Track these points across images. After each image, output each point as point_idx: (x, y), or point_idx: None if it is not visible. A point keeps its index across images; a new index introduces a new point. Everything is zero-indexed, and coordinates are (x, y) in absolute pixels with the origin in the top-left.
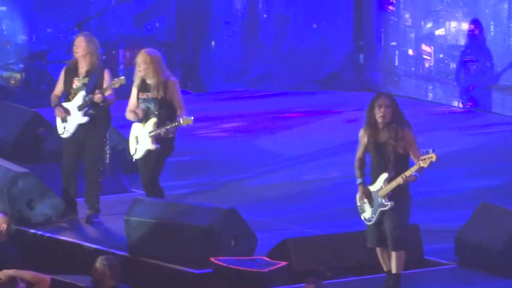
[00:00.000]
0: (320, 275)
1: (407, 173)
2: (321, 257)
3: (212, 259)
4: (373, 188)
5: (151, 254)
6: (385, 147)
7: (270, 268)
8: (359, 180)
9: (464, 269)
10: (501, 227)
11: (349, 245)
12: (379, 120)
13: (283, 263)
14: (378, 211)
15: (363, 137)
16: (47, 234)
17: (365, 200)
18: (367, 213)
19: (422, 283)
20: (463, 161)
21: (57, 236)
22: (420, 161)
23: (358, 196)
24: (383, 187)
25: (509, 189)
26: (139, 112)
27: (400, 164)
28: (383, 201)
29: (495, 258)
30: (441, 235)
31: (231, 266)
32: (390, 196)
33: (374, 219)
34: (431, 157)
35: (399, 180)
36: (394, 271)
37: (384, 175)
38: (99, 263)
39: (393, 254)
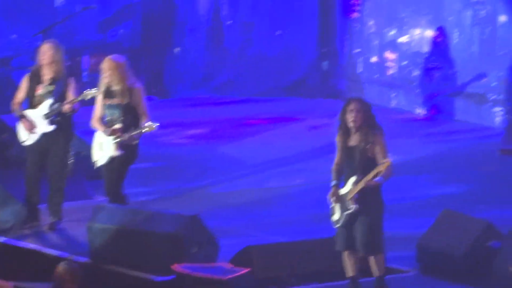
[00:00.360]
0: (283, 282)
1: (368, 176)
2: (284, 264)
3: (174, 266)
4: (343, 191)
5: (113, 261)
6: (355, 150)
7: (232, 275)
8: (332, 182)
9: (426, 276)
10: (463, 234)
11: (311, 252)
12: (351, 124)
13: (245, 270)
14: (344, 214)
15: (338, 142)
16: (9, 241)
17: (335, 202)
18: (336, 215)
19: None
20: (426, 168)
21: (19, 243)
22: (379, 165)
23: (328, 197)
24: (350, 190)
25: (472, 196)
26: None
27: (369, 167)
28: (349, 204)
29: (457, 265)
30: (403, 242)
31: (193, 273)
32: (357, 199)
33: (340, 221)
34: (387, 161)
35: (361, 183)
36: (376, 274)
37: (353, 178)
38: (60, 268)
39: (371, 258)
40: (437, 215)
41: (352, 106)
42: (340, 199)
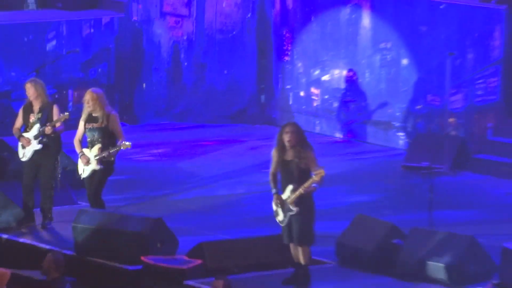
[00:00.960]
0: (229, 271)
1: (306, 184)
2: (229, 256)
3: (142, 258)
4: (284, 196)
5: (94, 254)
6: (291, 164)
7: (189, 266)
8: (273, 190)
9: (343, 267)
10: (372, 233)
11: (254, 247)
12: (286, 143)
13: (199, 261)
14: (287, 215)
15: (274, 156)
16: (10, 237)
17: (278, 206)
18: (280, 216)
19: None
20: (343, 181)
21: (17, 239)
22: (314, 175)
23: (273, 202)
24: (290, 196)
25: (380, 203)
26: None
27: (302, 177)
28: (291, 207)
29: (368, 258)
30: (325, 239)
31: (157, 263)
32: (296, 203)
33: (285, 221)
34: (321, 172)
35: (300, 190)
36: (302, 262)
37: (290, 187)
38: (47, 257)
39: (300, 249)
40: (352, 218)
41: (287, 129)
42: (283, 203)
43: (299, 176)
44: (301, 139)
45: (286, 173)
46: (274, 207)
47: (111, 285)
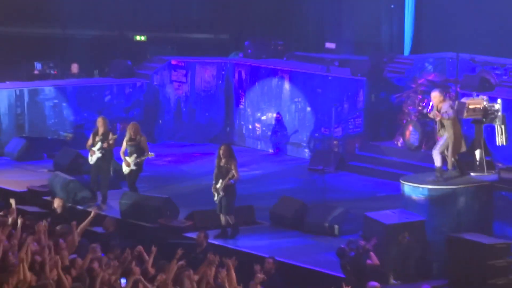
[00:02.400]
0: (206, 228)
1: (225, 180)
2: (209, 220)
3: (159, 220)
4: (218, 186)
5: (131, 218)
6: (222, 167)
7: (185, 225)
8: (213, 182)
9: (273, 227)
10: (291, 205)
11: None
12: (221, 155)
13: (191, 223)
14: (219, 196)
15: (217, 162)
16: (84, 208)
17: (215, 191)
18: (216, 197)
19: (252, 233)
20: (274, 177)
21: (88, 209)
22: (230, 176)
23: (212, 188)
24: (220, 186)
25: (295, 190)
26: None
27: (227, 175)
28: (220, 192)
29: (288, 221)
30: (263, 210)
31: (167, 223)
32: (223, 189)
33: (218, 200)
34: (234, 174)
35: (224, 182)
36: (231, 223)
37: (220, 180)
38: (106, 219)
39: (227, 217)
40: (279, 198)
41: (222, 147)
42: (216, 189)
43: (226, 175)
44: (229, 154)
45: (219, 172)
46: (213, 191)
47: (141, 236)
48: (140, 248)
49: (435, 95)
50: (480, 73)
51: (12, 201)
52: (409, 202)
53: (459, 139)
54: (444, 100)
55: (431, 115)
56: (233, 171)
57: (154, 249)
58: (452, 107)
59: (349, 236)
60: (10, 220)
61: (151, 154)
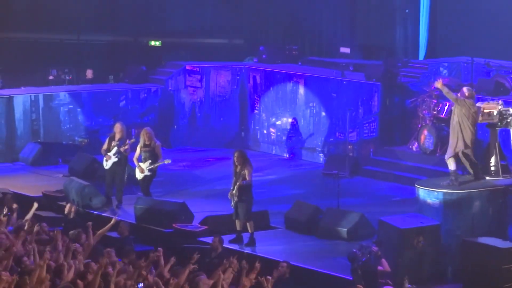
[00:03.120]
0: (221, 233)
1: (238, 184)
2: (223, 224)
3: (173, 224)
4: (234, 191)
5: (146, 222)
6: (238, 173)
7: (200, 229)
8: (231, 187)
9: (288, 231)
10: (305, 211)
11: (228, 220)
12: (235, 162)
13: (206, 227)
14: (235, 202)
15: (234, 168)
16: (98, 213)
17: (231, 196)
18: (232, 202)
19: (266, 238)
20: (288, 180)
21: (102, 214)
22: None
23: (229, 194)
24: (235, 191)
25: (309, 194)
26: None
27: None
28: (235, 197)
29: (303, 224)
30: (278, 215)
31: (182, 228)
32: (238, 195)
33: (233, 205)
34: (245, 179)
35: (236, 187)
36: (249, 231)
37: (237, 185)
38: (121, 224)
39: (247, 223)
40: (294, 202)
41: (236, 154)
42: (232, 195)
43: (240, 179)
44: (243, 160)
45: (236, 179)
46: (229, 197)
47: (155, 241)
48: (160, 250)
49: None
50: (495, 77)
51: (35, 205)
52: (424, 206)
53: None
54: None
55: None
56: (246, 176)
57: (173, 259)
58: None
59: (364, 241)
60: (26, 225)
61: (167, 161)
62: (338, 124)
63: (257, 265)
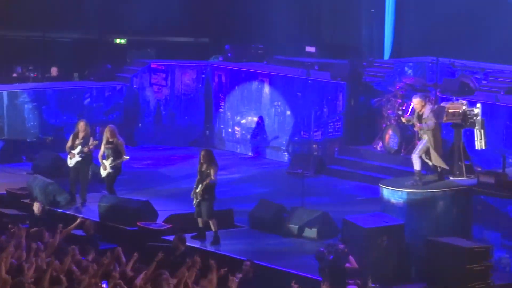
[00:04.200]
0: (185, 231)
1: (203, 185)
2: (187, 223)
3: (138, 223)
4: (197, 190)
5: (110, 220)
6: (204, 172)
7: (164, 228)
8: (194, 186)
9: (252, 230)
10: (269, 209)
11: (190, 219)
12: (201, 161)
13: (170, 225)
14: (197, 200)
15: (199, 167)
16: (63, 211)
17: (195, 195)
18: (194, 201)
19: (231, 236)
20: (252, 179)
21: (66, 212)
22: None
23: (192, 193)
24: (199, 190)
25: (274, 193)
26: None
27: (206, 179)
28: (199, 196)
29: (267, 223)
30: (242, 213)
31: (146, 226)
32: (201, 194)
33: (196, 204)
34: (210, 178)
35: (202, 186)
36: (213, 230)
37: (200, 185)
38: (86, 222)
39: (209, 221)
40: (258, 201)
41: (203, 153)
42: (196, 194)
43: (205, 179)
44: (209, 159)
45: (200, 177)
46: (192, 196)
47: (120, 239)
48: (118, 249)
49: (417, 101)
50: (460, 77)
51: None
52: (388, 206)
53: (439, 144)
54: (425, 105)
55: (404, 120)
56: (211, 175)
57: (135, 255)
58: (433, 111)
59: (328, 240)
60: None
61: (125, 157)
62: (303, 123)
63: (211, 262)
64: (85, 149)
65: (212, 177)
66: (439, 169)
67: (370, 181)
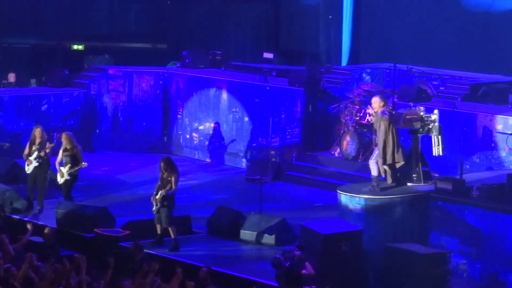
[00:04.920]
0: (142, 237)
1: (163, 191)
2: (145, 230)
3: (95, 229)
4: (157, 196)
5: (67, 227)
6: (165, 179)
7: (122, 234)
8: (154, 192)
9: (210, 236)
10: (227, 216)
11: (150, 224)
12: (162, 169)
13: (128, 232)
14: (157, 207)
15: (160, 174)
16: (20, 218)
17: (154, 201)
18: (154, 207)
19: (188, 243)
20: (210, 185)
21: (23, 218)
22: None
23: (152, 198)
24: (159, 196)
25: (231, 199)
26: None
27: (166, 186)
28: (158, 203)
29: (224, 228)
30: (200, 220)
31: (103, 233)
32: (161, 201)
33: (155, 210)
34: (171, 186)
35: (162, 193)
36: (172, 236)
37: (160, 191)
38: (47, 229)
39: (169, 228)
40: (216, 207)
41: (163, 161)
42: (155, 200)
43: (165, 186)
44: (170, 167)
45: (161, 184)
46: (152, 201)
47: (77, 246)
48: (78, 256)
49: (376, 100)
50: (417, 83)
51: None
52: (346, 212)
53: (390, 148)
54: (384, 106)
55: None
56: (172, 184)
57: (83, 258)
58: (390, 112)
59: (286, 246)
60: None
61: (84, 164)
62: (261, 129)
63: (178, 271)
64: (42, 153)
65: (173, 186)
66: (398, 174)
67: (328, 187)
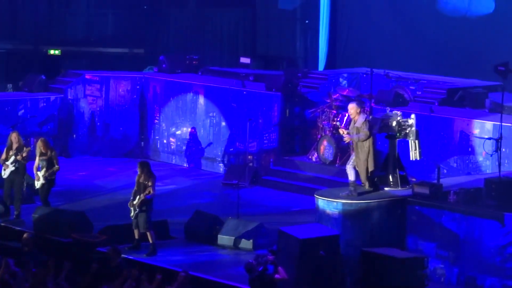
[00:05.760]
0: (116, 243)
1: (142, 196)
2: (122, 235)
3: (72, 234)
4: (134, 202)
5: (44, 232)
6: (141, 184)
7: (99, 239)
8: (131, 197)
9: (187, 240)
10: (204, 221)
11: (127, 230)
12: (139, 173)
13: (105, 236)
14: (135, 212)
15: (136, 179)
16: None
17: (131, 206)
18: (132, 212)
19: (166, 248)
20: (189, 191)
21: (1, 224)
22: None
23: (129, 204)
24: (137, 201)
25: (209, 204)
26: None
27: (145, 191)
28: (136, 208)
29: (201, 235)
30: (178, 224)
31: (80, 238)
32: (139, 205)
33: (133, 215)
34: (149, 190)
35: (140, 198)
36: (150, 241)
37: (138, 196)
38: (25, 236)
39: (147, 233)
40: (193, 212)
41: (140, 165)
42: (133, 205)
43: (144, 191)
44: (147, 171)
45: (138, 189)
46: (129, 206)
47: (55, 251)
48: (52, 262)
49: (352, 107)
50: (394, 88)
51: None
52: (323, 217)
53: (372, 156)
54: (360, 113)
55: (340, 132)
56: (150, 188)
57: (67, 264)
58: (367, 120)
59: (259, 251)
60: None
61: (56, 168)
62: (238, 134)
63: (158, 277)
64: (19, 157)
65: (151, 191)
66: (376, 179)
67: (305, 191)
